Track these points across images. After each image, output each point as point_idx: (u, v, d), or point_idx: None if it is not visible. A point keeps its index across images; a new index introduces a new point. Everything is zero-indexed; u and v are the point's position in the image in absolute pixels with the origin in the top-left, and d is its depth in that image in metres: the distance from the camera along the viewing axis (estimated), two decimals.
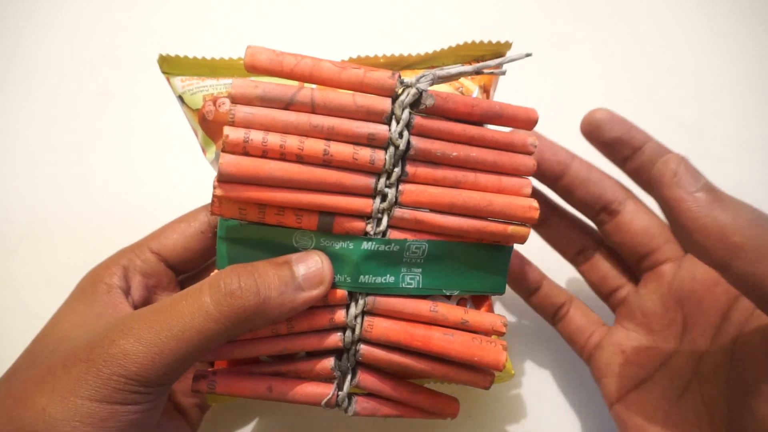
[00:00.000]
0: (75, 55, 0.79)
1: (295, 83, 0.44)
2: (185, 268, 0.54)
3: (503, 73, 0.48)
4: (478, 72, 0.46)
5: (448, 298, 0.50)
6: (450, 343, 0.47)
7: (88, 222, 0.71)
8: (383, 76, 0.44)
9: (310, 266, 0.44)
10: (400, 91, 0.44)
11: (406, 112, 0.44)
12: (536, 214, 0.47)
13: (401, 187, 0.45)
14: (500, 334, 0.48)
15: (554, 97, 0.77)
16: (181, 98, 0.52)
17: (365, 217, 0.45)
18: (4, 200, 0.72)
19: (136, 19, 0.82)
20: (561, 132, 0.63)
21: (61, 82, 0.78)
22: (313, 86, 0.44)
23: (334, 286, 0.46)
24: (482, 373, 0.49)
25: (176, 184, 0.73)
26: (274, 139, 0.42)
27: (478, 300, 0.52)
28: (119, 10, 0.82)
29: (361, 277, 0.46)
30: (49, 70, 0.78)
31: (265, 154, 0.42)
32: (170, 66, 0.52)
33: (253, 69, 0.43)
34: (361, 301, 0.47)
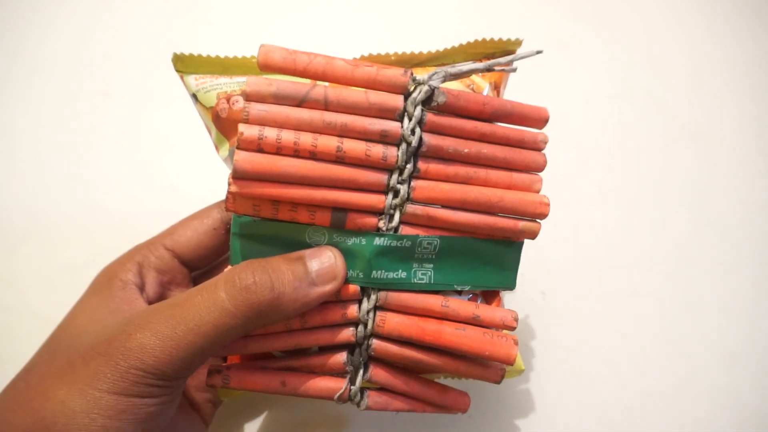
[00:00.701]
0: (75, 55, 0.79)
1: (308, 81, 0.44)
2: (198, 265, 0.55)
3: (514, 70, 0.48)
4: (489, 69, 0.47)
5: (459, 293, 0.50)
6: (461, 338, 0.47)
7: (88, 222, 0.71)
8: (396, 74, 0.44)
9: (324, 262, 0.45)
10: (412, 88, 0.45)
11: (419, 109, 0.44)
12: (547, 210, 0.48)
13: (413, 183, 0.45)
14: (511, 329, 0.49)
15: (554, 98, 0.77)
16: (194, 96, 0.52)
17: (378, 213, 0.46)
18: (4, 200, 0.72)
19: (136, 19, 0.82)
20: (561, 132, 0.64)
21: (61, 82, 0.78)
22: (326, 84, 0.44)
23: (346, 281, 0.46)
24: (493, 368, 0.50)
25: (176, 184, 0.73)
26: (288, 136, 0.43)
27: (489, 295, 0.53)
28: (119, 10, 0.82)
29: (374, 272, 0.46)
30: (49, 70, 0.78)
31: (279, 150, 0.43)
32: (184, 64, 0.52)
33: (266, 67, 0.44)
34: (373, 296, 0.47)
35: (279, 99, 0.43)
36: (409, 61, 0.52)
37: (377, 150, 0.44)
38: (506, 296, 0.67)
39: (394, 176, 0.45)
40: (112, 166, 0.74)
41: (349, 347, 0.49)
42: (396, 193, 0.45)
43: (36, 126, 0.75)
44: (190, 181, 0.73)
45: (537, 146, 0.48)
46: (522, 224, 0.48)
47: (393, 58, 0.52)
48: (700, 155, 0.78)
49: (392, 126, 0.44)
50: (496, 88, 0.54)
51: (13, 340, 0.64)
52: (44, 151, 0.74)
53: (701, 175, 0.77)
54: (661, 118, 0.79)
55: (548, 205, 0.48)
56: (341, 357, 0.48)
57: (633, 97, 0.80)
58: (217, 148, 0.53)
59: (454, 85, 0.51)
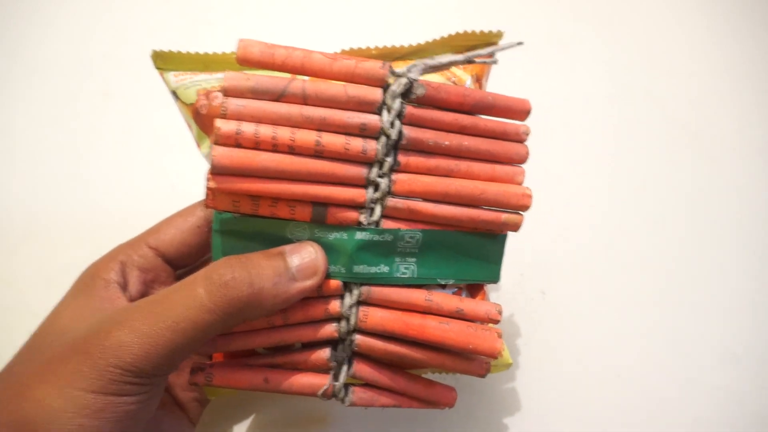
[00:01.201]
0: (75, 55, 0.79)
1: (288, 75, 0.44)
2: (183, 263, 0.55)
3: (495, 62, 0.48)
4: (469, 61, 0.47)
5: (444, 287, 0.50)
6: (445, 332, 0.47)
7: (88, 222, 0.71)
8: (374, 67, 0.44)
9: (304, 257, 0.45)
10: (391, 81, 0.45)
11: (398, 101, 0.44)
12: (529, 202, 0.48)
13: (394, 176, 0.45)
14: (495, 322, 0.49)
15: (555, 98, 0.77)
16: (174, 93, 0.52)
17: (358, 207, 0.46)
18: (4, 200, 0.72)
19: (136, 19, 0.82)
20: (561, 132, 0.63)
21: (61, 82, 0.78)
22: (305, 78, 0.45)
23: (328, 276, 0.46)
24: (478, 362, 0.50)
25: (176, 184, 0.73)
26: (266, 131, 0.42)
27: (473, 289, 0.52)
28: (119, 10, 0.82)
29: (356, 267, 0.46)
30: (49, 70, 0.78)
31: (257, 145, 0.43)
32: (164, 61, 0.52)
33: (245, 62, 0.44)
34: (355, 291, 0.47)
35: (257, 94, 0.43)
36: (390, 55, 0.52)
37: (356, 143, 0.44)
38: (506, 295, 0.68)
39: (374, 170, 0.45)
40: (112, 166, 0.74)
41: (333, 343, 0.48)
42: (376, 187, 0.45)
43: (36, 126, 0.76)
44: (190, 181, 0.73)
45: (519, 138, 0.48)
46: (505, 216, 0.48)
47: (374, 51, 0.52)
48: (700, 155, 0.78)
49: (371, 119, 0.44)
50: (478, 80, 0.54)
51: (13, 340, 0.64)
52: (44, 151, 0.74)
53: (701, 175, 0.77)
54: (661, 118, 0.79)
55: (531, 196, 0.48)
56: (324, 353, 0.48)
57: (633, 97, 0.80)
58: (198, 145, 0.53)
59: (436, 79, 0.50)
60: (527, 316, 0.68)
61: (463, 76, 0.53)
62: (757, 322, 0.70)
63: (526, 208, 0.48)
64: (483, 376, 0.50)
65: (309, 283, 0.44)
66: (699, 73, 0.82)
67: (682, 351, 0.68)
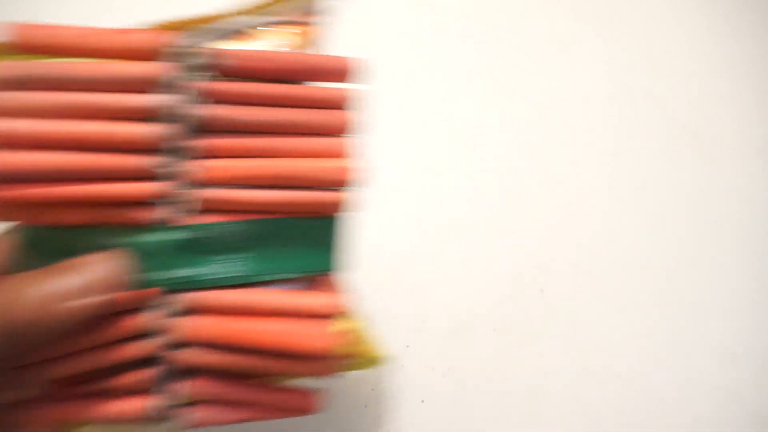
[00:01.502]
0: None
1: (70, 60, 0.41)
2: None
3: (305, 23, 0.45)
4: (272, 23, 0.43)
5: (278, 282, 0.44)
6: (263, 334, 0.42)
7: None
8: (161, 39, 0.41)
9: (98, 268, 0.39)
10: (184, 54, 0.41)
11: (193, 76, 0.41)
12: (346, 176, 0.43)
13: (197, 163, 0.41)
14: (326, 317, 0.43)
15: (555, 98, 0.77)
16: None
17: (160, 203, 0.41)
18: None
19: (136, 19, 0.82)
20: (562, 132, 0.63)
21: None
22: (88, 60, 0.41)
23: (140, 285, 0.41)
24: (317, 362, 0.44)
25: None
26: (34, 126, 0.38)
27: (317, 281, 0.46)
28: (119, 10, 0.82)
29: (168, 272, 0.41)
30: None
31: (24, 144, 0.38)
32: None
33: (25, 49, 0.40)
34: (170, 300, 0.42)
35: (23, 84, 0.39)
36: (195, 25, 0.45)
37: (145, 130, 0.39)
38: (504, 293, 0.67)
39: (171, 158, 0.40)
40: None
41: (154, 361, 0.42)
42: (176, 178, 0.41)
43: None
44: None
45: (340, 104, 0.43)
46: (324, 195, 0.43)
47: (179, 23, 0.46)
48: (700, 155, 0.78)
49: (161, 100, 0.40)
50: (306, 46, 0.46)
51: None
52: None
53: (701, 175, 0.77)
54: (661, 118, 0.79)
55: (348, 170, 0.43)
56: (145, 373, 0.42)
57: (633, 97, 0.80)
58: None
59: (255, 47, 0.44)
60: (526, 316, 0.68)
61: (294, 43, 0.46)
62: (757, 322, 0.70)
63: (343, 183, 0.43)
64: (326, 377, 0.45)
65: (103, 297, 0.38)
66: (699, 73, 0.82)
67: (682, 351, 0.68)
